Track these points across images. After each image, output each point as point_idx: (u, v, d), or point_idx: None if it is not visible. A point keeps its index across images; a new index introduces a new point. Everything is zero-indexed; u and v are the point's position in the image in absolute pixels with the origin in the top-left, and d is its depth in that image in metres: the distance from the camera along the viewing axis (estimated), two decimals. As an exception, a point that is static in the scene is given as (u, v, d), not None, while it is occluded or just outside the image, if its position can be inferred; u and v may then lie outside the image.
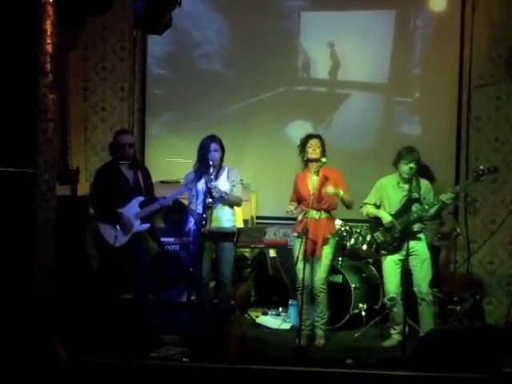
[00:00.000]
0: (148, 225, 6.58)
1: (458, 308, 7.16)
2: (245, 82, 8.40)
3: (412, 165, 6.33)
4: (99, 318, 6.09)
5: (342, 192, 6.34)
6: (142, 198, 6.53)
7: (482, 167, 6.29)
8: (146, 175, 6.66)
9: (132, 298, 6.64)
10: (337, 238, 6.71)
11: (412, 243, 6.33)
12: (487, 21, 7.91)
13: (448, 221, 7.57)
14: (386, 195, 6.49)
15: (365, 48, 8.22)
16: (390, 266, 6.44)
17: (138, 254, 6.51)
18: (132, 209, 6.49)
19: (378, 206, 6.55)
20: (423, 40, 8.21)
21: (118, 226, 6.34)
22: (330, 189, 6.33)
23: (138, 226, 6.51)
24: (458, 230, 7.38)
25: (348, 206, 6.49)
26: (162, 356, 5.82)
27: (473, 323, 7.15)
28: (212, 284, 6.81)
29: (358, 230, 7.45)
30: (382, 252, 6.57)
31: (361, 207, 6.64)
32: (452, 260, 7.66)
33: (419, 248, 6.41)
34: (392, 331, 6.54)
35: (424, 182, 6.48)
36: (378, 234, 6.54)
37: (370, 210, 6.56)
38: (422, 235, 6.46)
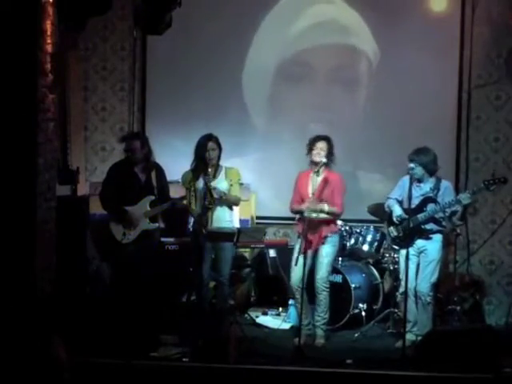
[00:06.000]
0: (157, 224, 6.67)
1: (458, 308, 7.16)
2: (245, 82, 8.39)
3: (413, 165, 6.36)
4: (99, 318, 6.09)
5: (326, 209, 6.43)
6: (152, 198, 6.61)
7: (492, 177, 6.41)
8: (161, 176, 6.73)
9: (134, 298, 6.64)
10: (338, 237, 6.70)
11: (423, 242, 6.45)
12: (487, 21, 7.90)
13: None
14: (405, 192, 6.52)
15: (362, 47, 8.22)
16: (403, 260, 6.46)
17: (144, 252, 6.55)
18: (141, 208, 6.58)
19: (400, 202, 6.62)
20: (423, 40, 8.19)
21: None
22: (325, 206, 6.43)
23: (146, 225, 6.56)
24: (458, 230, 7.37)
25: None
26: (162, 356, 5.83)
27: (473, 323, 7.15)
28: (212, 284, 6.81)
29: (358, 230, 7.47)
30: (395, 247, 6.70)
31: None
32: (452, 260, 7.65)
33: (429, 248, 6.46)
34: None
35: (445, 184, 6.53)
36: (391, 229, 6.65)
37: (390, 203, 6.66)
38: (436, 236, 6.49)
